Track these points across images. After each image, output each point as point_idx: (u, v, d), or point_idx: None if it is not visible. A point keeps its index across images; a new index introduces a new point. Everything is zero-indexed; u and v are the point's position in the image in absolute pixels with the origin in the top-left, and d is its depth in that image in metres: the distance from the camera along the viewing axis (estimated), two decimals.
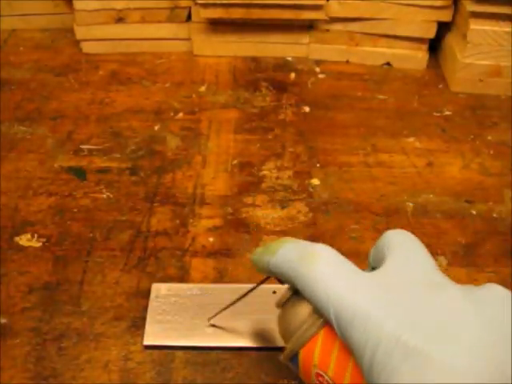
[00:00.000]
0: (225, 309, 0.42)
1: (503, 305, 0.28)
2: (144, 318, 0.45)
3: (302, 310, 0.32)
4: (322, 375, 0.31)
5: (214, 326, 0.44)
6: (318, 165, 0.61)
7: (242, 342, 0.44)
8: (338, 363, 0.30)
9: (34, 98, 0.69)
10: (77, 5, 0.73)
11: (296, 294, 0.33)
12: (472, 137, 0.65)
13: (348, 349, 0.29)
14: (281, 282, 0.35)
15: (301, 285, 0.31)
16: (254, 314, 0.46)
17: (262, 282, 0.37)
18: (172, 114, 0.67)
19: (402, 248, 0.32)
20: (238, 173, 0.60)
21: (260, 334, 0.44)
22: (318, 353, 0.31)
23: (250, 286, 0.40)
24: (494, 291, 0.29)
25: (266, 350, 0.44)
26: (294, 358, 0.32)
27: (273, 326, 0.44)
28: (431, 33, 0.73)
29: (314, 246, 0.31)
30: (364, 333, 0.27)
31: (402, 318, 0.27)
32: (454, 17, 0.72)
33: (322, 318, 0.30)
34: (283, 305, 0.34)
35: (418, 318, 0.27)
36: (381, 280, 0.29)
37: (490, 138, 0.65)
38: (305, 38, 0.75)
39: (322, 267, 0.30)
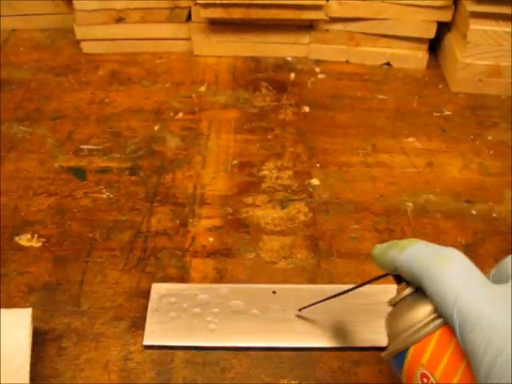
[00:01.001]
0: (321, 301, 0.43)
1: None
2: (144, 318, 0.45)
3: (421, 309, 0.32)
4: (427, 376, 0.30)
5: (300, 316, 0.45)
6: (317, 165, 0.61)
7: (243, 342, 0.44)
8: (448, 366, 0.30)
9: (33, 98, 0.69)
10: (77, 5, 0.73)
11: (414, 293, 0.33)
12: (472, 137, 0.65)
13: (463, 354, 0.29)
14: (398, 280, 0.35)
15: (429, 283, 0.31)
16: (255, 314, 0.46)
17: (379, 278, 0.37)
18: (172, 114, 0.67)
19: None
20: (237, 173, 0.60)
21: (260, 334, 0.44)
22: (429, 353, 0.30)
23: (346, 286, 0.41)
24: None
25: (266, 350, 0.44)
26: (400, 355, 0.32)
27: (273, 326, 0.45)
28: (431, 33, 0.73)
29: (448, 249, 0.32)
30: (487, 339, 0.27)
31: None
32: (453, 17, 0.72)
33: (441, 319, 0.30)
34: (397, 303, 0.34)
35: None
36: (509, 293, 0.29)
37: (490, 138, 0.65)
38: (305, 38, 0.75)
39: (455, 268, 0.30)
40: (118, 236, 0.52)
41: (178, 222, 0.54)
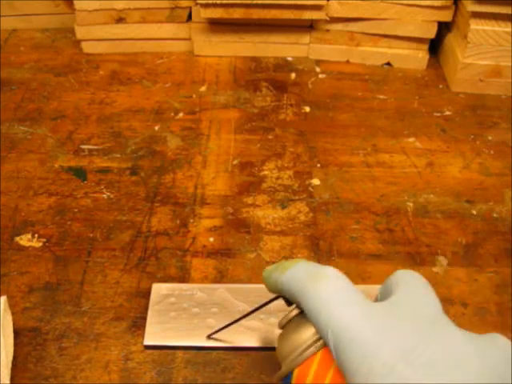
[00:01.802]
0: (225, 327, 0.42)
1: (504, 355, 0.27)
2: (144, 318, 0.45)
3: (304, 331, 0.32)
4: None
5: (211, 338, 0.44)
6: (318, 165, 0.61)
7: (243, 342, 0.44)
8: None
9: (34, 98, 0.69)
10: (77, 5, 0.73)
11: (300, 315, 0.33)
12: (472, 137, 0.65)
13: (342, 374, 0.28)
14: (288, 303, 0.34)
15: (305, 303, 0.31)
16: (256, 314, 0.46)
17: (270, 302, 0.37)
18: (172, 114, 0.67)
19: (410, 286, 0.31)
20: (238, 173, 0.60)
21: (260, 334, 0.44)
22: (312, 374, 0.30)
23: (249, 308, 0.40)
24: (496, 341, 0.28)
25: (266, 350, 0.44)
26: (287, 378, 0.32)
27: (273, 326, 0.44)
28: (431, 33, 0.73)
29: (325, 268, 0.31)
30: (359, 357, 0.27)
31: (400, 348, 0.26)
32: (454, 17, 0.71)
33: (322, 340, 0.30)
34: (285, 325, 0.34)
35: (417, 351, 0.26)
36: (384, 310, 0.29)
37: (490, 137, 0.65)
38: (305, 38, 0.75)
39: (328, 288, 0.30)
40: (119, 236, 0.53)
41: (178, 221, 0.54)
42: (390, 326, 0.28)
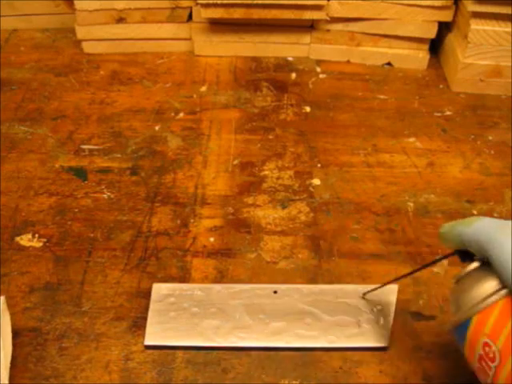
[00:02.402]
0: (382, 286, 0.45)
1: None
2: (145, 318, 0.45)
3: (486, 283, 0.32)
4: (490, 345, 0.31)
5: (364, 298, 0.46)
6: (318, 165, 0.61)
7: (243, 342, 0.44)
8: (509, 336, 0.30)
9: (34, 98, 0.69)
10: (78, 5, 0.73)
11: (480, 268, 0.33)
12: (473, 137, 0.65)
13: None
14: (463, 258, 0.35)
15: (495, 253, 0.31)
16: (256, 314, 0.46)
17: (446, 257, 0.38)
18: (173, 114, 0.67)
19: None
20: (238, 173, 0.60)
21: (261, 334, 0.44)
22: (492, 322, 0.31)
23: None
24: None
25: (267, 350, 0.44)
26: (463, 326, 0.33)
27: (274, 326, 0.45)
28: (432, 33, 0.73)
29: None
30: None
31: None
32: (454, 17, 0.71)
33: (505, 290, 0.31)
34: (463, 277, 0.34)
35: None
36: None
37: (490, 137, 0.65)
38: (306, 38, 0.75)
39: None
40: (119, 236, 0.53)
41: (178, 222, 0.54)
42: None
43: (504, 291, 0.31)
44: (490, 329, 0.31)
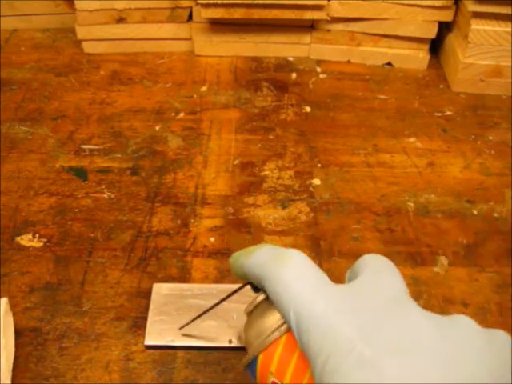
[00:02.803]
0: (196, 318, 0.42)
1: (466, 333, 0.27)
2: (145, 318, 0.45)
3: (269, 316, 0.31)
4: None
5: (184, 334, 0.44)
6: (319, 165, 0.61)
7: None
8: (295, 373, 0.29)
9: (35, 98, 0.69)
10: (78, 5, 0.73)
11: (266, 301, 0.32)
12: (473, 137, 0.65)
13: (306, 357, 0.28)
14: (255, 290, 0.34)
15: (268, 286, 0.30)
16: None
17: (239, 290, 0.36)
18: (173, 114, 0.67)
19: (375, 269, 0.31)
20: (239, 173, 0.60)
21: None
22: (276, 360, 0.30)
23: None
24: (459, 320, 0.28)
25: None
26: (253, 364, 0.31)
27: None
28: (432, 33, 0.73)
29: (288, 251, 0.31)
30: (320, 338, 0.26)
31: (361, 328, 0.26)
32: (455, 17, 0.71)
33: (286, 325, 0.30)
34: (251, 312, 0.33)
35: (378, 330, 0.26)
36: (346, 291, 0.29)
37: (491, 137, 0.65)
38: (306, 38, 0.75)
39: (290, 269, 0.30)
40: (119, 236, 0.53)
41: (179, 221, 0.54)
42: (351, 306, 0.27)
43: (285, 326, 0.30)
44: (276, 367, 0.30)
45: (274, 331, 0.30)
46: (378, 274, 0.30)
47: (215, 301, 0.46)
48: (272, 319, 0.31)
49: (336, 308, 0.27)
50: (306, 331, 0.27)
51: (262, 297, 0.32)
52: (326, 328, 0.26)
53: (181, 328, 0.44)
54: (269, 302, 0.32)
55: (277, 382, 0.30)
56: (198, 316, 0.41)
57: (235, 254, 0.35)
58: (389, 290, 0.29)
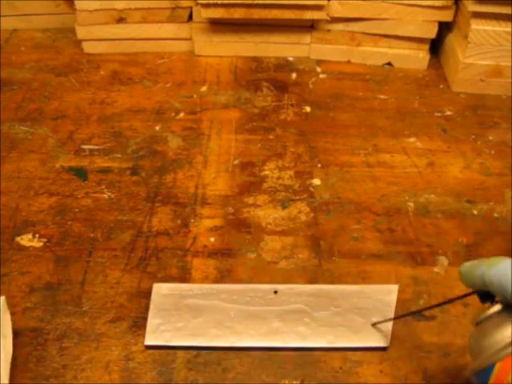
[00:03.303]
0: (397, 318, 0.43)
1: None
2: (145, 318, 0.45)
3: (508, 327, 0.31)
4: None
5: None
6: (319, 165, 0.61)
7: (244, 342, 0.44)
8: None
9: (35, 98, 0.69)
10: (78, 5, 0.73)
11: (501, 312, 0.33)
12: (473, 137, 0.65)
13: None
14: (482, 299, 0.34)
15: None
16: (256, 314, 0.46)
17: (464, 297, 0.37)
18: (173, 114, 0.67)
19: None
20: (239, 173, 0.60)
21: (262, 334, 0.44)
22: None
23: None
24: None
25: (267, 350, 0.44)
26: (484, 373, 0.31)
27: (274, 326, 0.45)
28: (432, 33, 0.73)
29: None
30: None
31: None
32: (455, 17, 0.71)
33: None
34: (483, 321, 0.33)
35: None
36: None
37: (491, 137, 0.65)
38: (306, 38, 0.75)
39: None
40: (119, 236, 0.53)
41: (179, 222, 0.54)
42: None
43: None
44: None
45: None
46: None
47: (215, 301, 0.46)
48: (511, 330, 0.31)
49: None
50: None
51: (498, 307, 0.33)
52: None
53: (374, 324, 0.45)
54: (504, 313, 0.32)
55: None
56: (399, 317, 0.43)
57: (469, 263, 0.36)
58: None
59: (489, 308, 0.33)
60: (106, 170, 0.59)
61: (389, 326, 0.45)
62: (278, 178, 0.59)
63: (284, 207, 0.56)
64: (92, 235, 0.52)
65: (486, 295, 0.34)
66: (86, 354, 0.43)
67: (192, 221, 0.54)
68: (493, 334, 0.32)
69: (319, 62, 0.76)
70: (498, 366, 0.31)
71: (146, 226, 0.53)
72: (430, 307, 0.40)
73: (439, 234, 0.53)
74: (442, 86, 0.73)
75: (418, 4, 0.70)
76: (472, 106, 0.70)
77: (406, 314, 0.43)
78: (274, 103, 0.69)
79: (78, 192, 0.57)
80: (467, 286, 0.36)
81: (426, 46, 0.75)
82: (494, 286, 0.33)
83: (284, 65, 0.76)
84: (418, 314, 0.43)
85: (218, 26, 0.75)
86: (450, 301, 0.39)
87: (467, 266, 0.36)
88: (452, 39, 0.73)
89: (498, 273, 0.32)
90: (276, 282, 0.49)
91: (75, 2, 0.73)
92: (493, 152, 0.63)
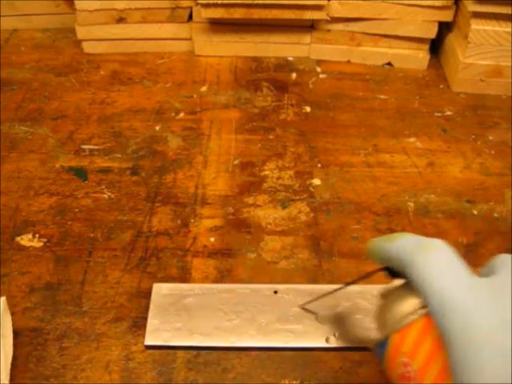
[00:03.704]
0: (318, 298, 0.44)
1: None
2: (145, 318, 0.45)
3: (408, 301, 0.32)
4: (408, 364, 0.31)
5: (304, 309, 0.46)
6: (319, 165, 0.61)
7: (244, 342, 0.44)
8: (427, 356, 0.30)
9: (35, 98, 0.69)
10: (78, 5, 0.73)
11: (403, 286, 0.33)
12: (473, 137, 0.65)
13: (442, 343, 0.29)
14: (392, 275, 0.35)
15: (414, 271, 0.31)
16: (256, 314, 0.46)
17: (374, 273, 0.38)
18: (173, 114, 0.67)
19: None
20: (239, 173, 0.60)
21: (262, 334, 0.44)
22: (410, 340, 0.31)
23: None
24: None
25: (267, 350, 0.44)
26: (383, 343, 0.33)
27: (274, 326, 0.45)
28: (432, 33, 0.73)
29: (434, 240, 0.33)
30: (461, 324, 0.28)
31: (501, 318, 0.27)
32: (455, 17, 0.71)
33: (426, 309, 0.31)
34: (387, 295, 0.34)
35: None
36: (486, 284, 0.30)
37: (491, 137, 0.65)
38: (306, 38, 0.75)
39: (438, 258, 0.31)
40: (119, 236, 0.53)
41: (179, 221, 0.54)
42: (492, 298, 0.29)
43: (423, 310, 0.31)
44: (409, 347, 0.31)
45: (411, 314, 0.31)
46: None
47: (215, 301, 0.46)
48: (410, 303, 0.32)
49: (478, 299, 0.29)
50: (448, 318, 0.28)
51: (400, 281, 0.34)
52: (468, 315, 0.28)
53: (301, 306, 0.46)
54: (407, 288, 0.33)
55: (408, 361, 0.31)
56: (319, 297, 0.44)
57: (375, 239, 0.36)
58: None
59: (394, 282, 0.34)
60: (105, 170, 0.59)
61: None
62: (278, 178, 0.59)
63: (284, 207, 0.56)
64: (92, 235, 0.53)
65: (395, 270, 0.34)
66: (86, 353, 0.43)
67: (192, 221, 0.54)
68: (393, 307, 0.33)
69: (319, 62, 0.76)
70: (393, 337, 0.32)
71: (146, 226, 0.53)
72: (353, 282, 0.41)
73: (439, 233, 0.53)
74: (442, 86, 0.73)
75: (417, 4, 0.70)
76: (472, 105, 0.70)
77: (330, 291, 0.43)
78: (274, 103, 0.69)
79: (78, 192, 0.57)
80: (374, 262, 0.36)
81: (426, 46, 0.75)
82: (394, 263, 0.34)
83: (284, 65, 0.76)
84: (341, 289, 0.43)
85: (218, 25, 0.75)
86: (367, 275, 0.39)
87: (374, 241, 0.36)
88: (452, 39, 0.73)
89: (395, 249, 0.33)
90: (276, 282, 0.49)
91: (75, 2, 0.73)
92: (493, 152, 0.63)
